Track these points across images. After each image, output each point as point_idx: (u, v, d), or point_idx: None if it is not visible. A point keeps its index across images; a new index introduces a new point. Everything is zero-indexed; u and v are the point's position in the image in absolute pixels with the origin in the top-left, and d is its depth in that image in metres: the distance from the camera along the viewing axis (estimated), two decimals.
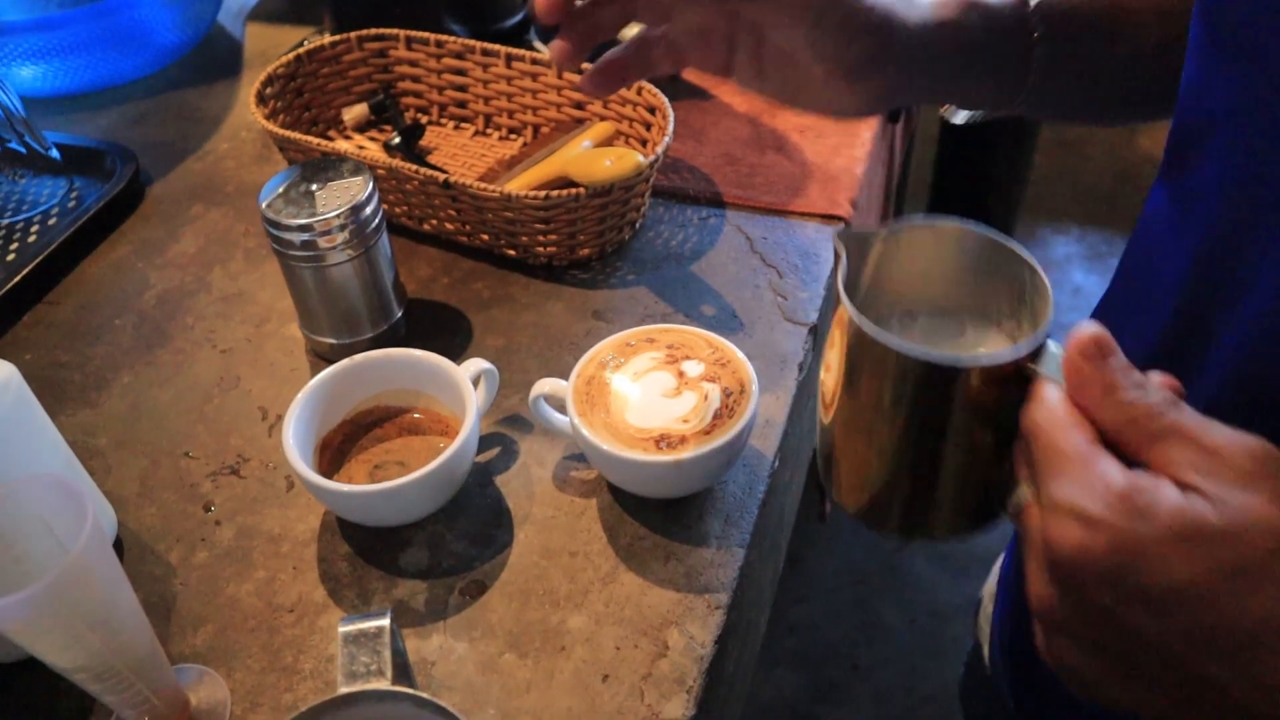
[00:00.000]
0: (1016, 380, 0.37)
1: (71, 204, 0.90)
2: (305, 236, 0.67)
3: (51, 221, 0.88)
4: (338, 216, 0.66)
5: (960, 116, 0.74)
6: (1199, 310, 0.43)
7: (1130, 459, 0.34)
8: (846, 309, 0.39)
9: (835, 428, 0.44)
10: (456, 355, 0.73)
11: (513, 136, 0.91)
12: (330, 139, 0.92)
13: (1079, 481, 0.34)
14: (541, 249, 0.76)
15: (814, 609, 1.77)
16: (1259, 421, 0.34)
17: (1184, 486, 0.33)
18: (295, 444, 0.61)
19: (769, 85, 0.53)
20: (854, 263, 0.42)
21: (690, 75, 0.98)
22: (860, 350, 0.40)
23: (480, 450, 0.67)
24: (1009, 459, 0.39)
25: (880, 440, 0.42)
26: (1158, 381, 0.36)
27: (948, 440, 0.40)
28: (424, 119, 0.93)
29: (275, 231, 0.67)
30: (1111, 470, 0.34)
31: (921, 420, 0.40)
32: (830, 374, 0.43)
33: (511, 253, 0.78)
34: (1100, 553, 0.33)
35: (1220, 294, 0.43)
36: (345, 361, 0.65)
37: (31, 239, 0.86)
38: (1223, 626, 0.32)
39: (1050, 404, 0.36)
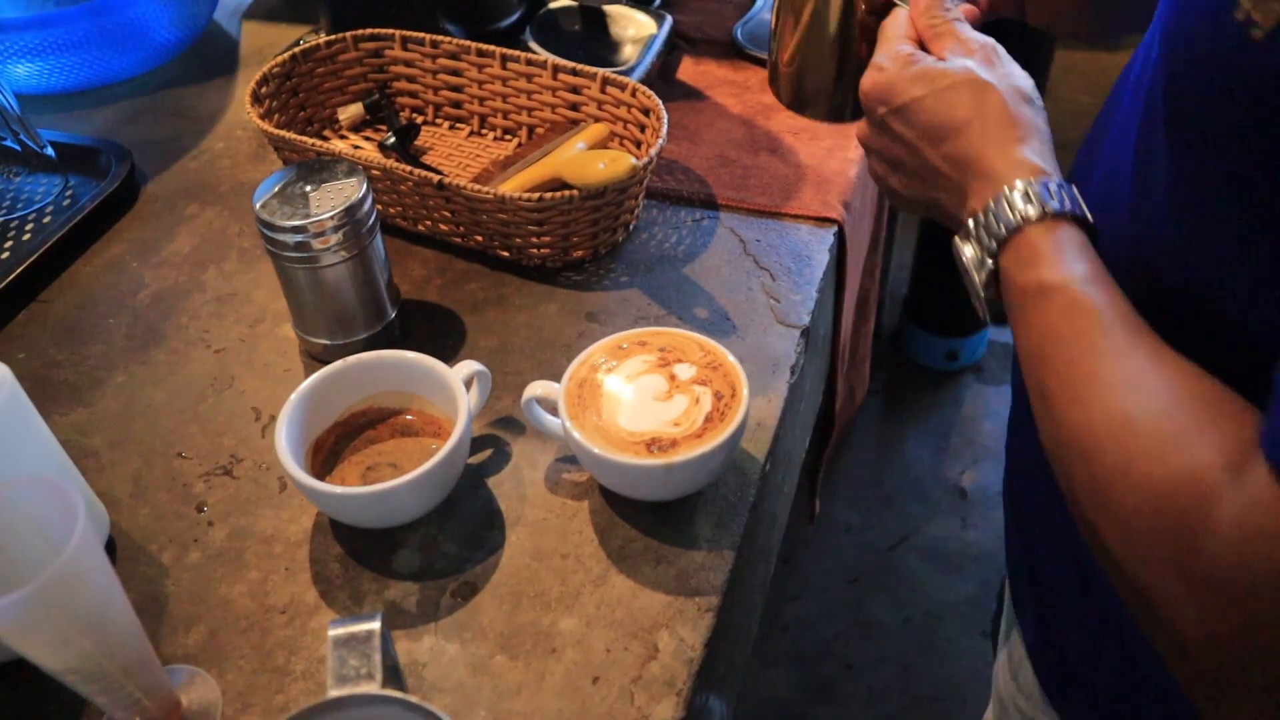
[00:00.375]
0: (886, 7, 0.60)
1: (66, 202, 0.90)
2: (299, 238, 0.67)
3: (46, 220, 0.88)
4: (331, 218, 0.66)
5: None
6: (1079, 184, 0.52)
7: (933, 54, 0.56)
8: None
9: (782, 48, 0.65)
10: (450, 357, 0.73)
11: (508, 137, 0.91)
12: (325, 138, 0.92)
13: (884, 51, 0.57)
14: (535, 250, 0.77)
15: (808, 608, 1.78)
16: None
17: (940, 59, 0.55)
18: (288, 445, 0.61)
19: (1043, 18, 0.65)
20: None
21: (684, 76, 0.99)
22: None
23: (473, 452, 0.67)
24: None
25: (814, 47, 0.64)
26: (960, 9, 0.58)
27: (850, 46, 0.62)
28: (419, 119, 0.93)
29: (269, 232, 0.67)
30: (905, 47, 0.56)
31: (838, 30, 0.62)
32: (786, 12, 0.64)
33: (505, 254, 0.78)
34: (879, 83, 0.55)
35: (1086, 174, 0.56)
36: (338, 363, 0.65)
37: (26, 237, 0.86)
38: (938, 123, 0.53)
39: (894, 17, 0.58)
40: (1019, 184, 0.48)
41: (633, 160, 0.69)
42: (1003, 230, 0.48)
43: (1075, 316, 0.45)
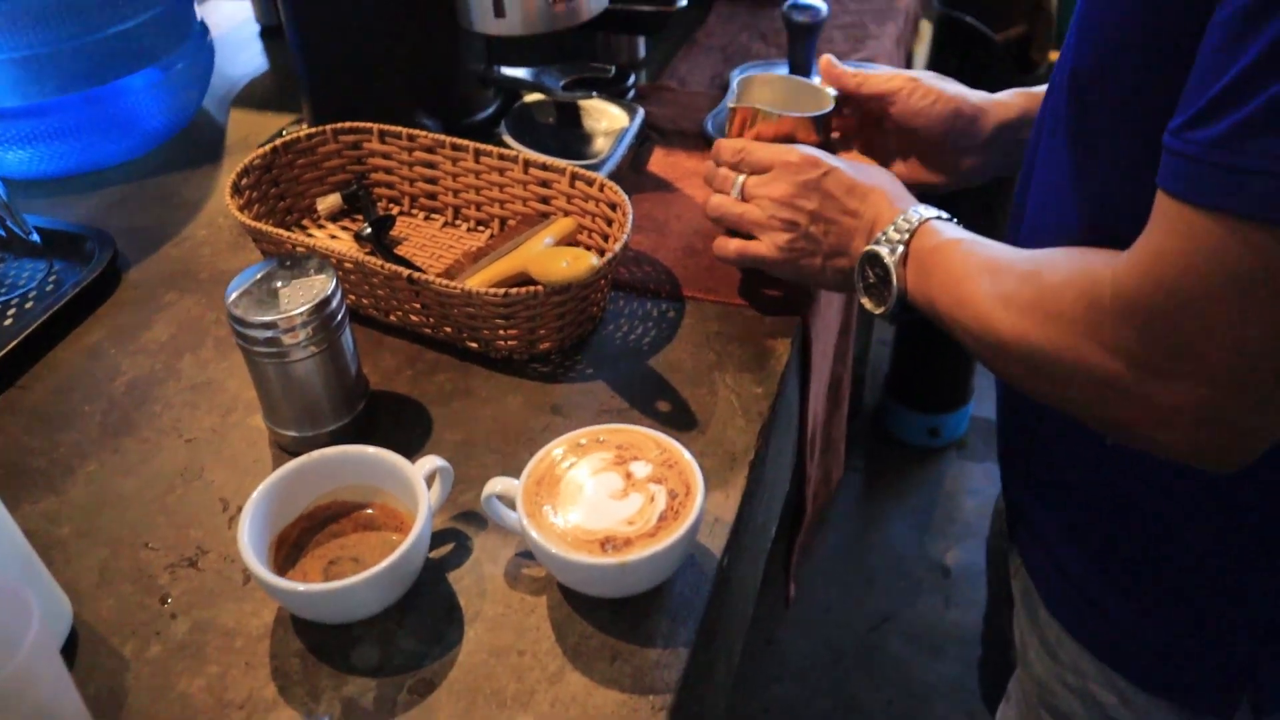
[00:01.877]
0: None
1: (50, 287, 0.92)
2: (269, 333, 0.68)
3: (29, 305, 0.89)
4: (301, 314, 0.68)
5: None
6: (1014, 223, 0.73)
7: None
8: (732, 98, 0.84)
9: None
10: (416, 448, 0.74)
11: (481, 228, 0.93)
12: (304, 227, 0.94)
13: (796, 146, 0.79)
14: (503, 343, 0.78)
15: (790, 689, 1.77)
16: None
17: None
18: (250, 541, 0.62)
19: (904, 168, 0.87)
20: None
21: (654, 168, 1.01)
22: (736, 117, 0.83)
23: (434, 546, 0.68)
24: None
25: None
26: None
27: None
28: (396, 209, 0.96)
29: (240, 328, 0.69)
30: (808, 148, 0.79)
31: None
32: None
33: (474, 345, 0.80)
34: (813, 153, 0.77)
35: (1018, 214, 0.72)
36: (303, 459, 0.66)
37: (8, 323, 0.87)
38: (860, 181, 0.76)
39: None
40: (916, 205, 0.72)
41: (594, 260, 0.71)
42: (914, 224, 0.70)
43: (979, 247, 0.66)
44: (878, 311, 0.72)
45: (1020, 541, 0.80)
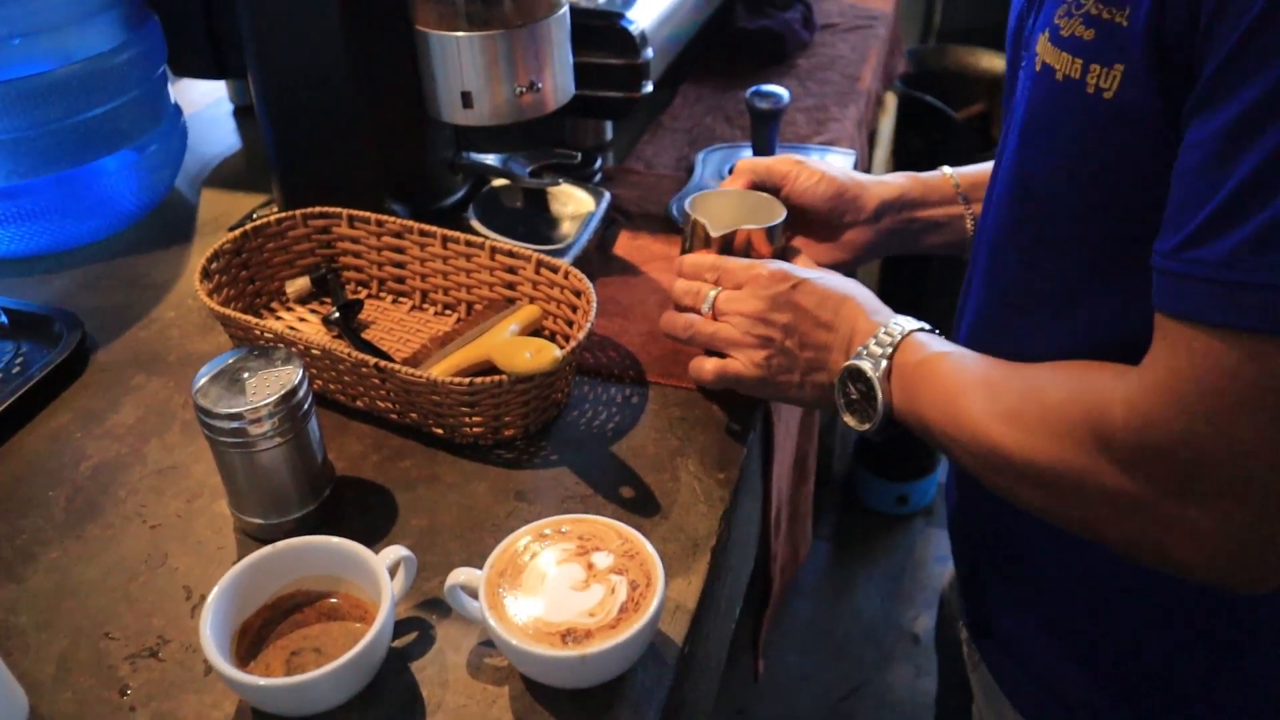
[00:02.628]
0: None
1: (16, 369, 0.92)
2: (235, 424, 0.69)
3: None
4: (267, 405, 0.69)
5: None
6: (965, 305, 0.75)
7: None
8: (690, 215, 0.85)
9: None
10: (381, 536, 0.75)
11: (448, 312, 0.95)
12: (273, 310, 0.95)
13: (760, 259, 0.80)
14: (468, 429, 0.79)
15: None
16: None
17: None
18: (212, 633, 0.62)
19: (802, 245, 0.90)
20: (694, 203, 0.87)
21: (621, 251, 1.03)
22: (694, 231, 0.85)
23: (397, 635, 0.68)
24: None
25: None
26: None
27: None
28: (364, 292, 0.97)
29: (206, 418, 0.70)
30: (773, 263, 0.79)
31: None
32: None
33: (439, 431, 0.81)
34: (781, 268, 0.78)
35: (966, 296, 0.74)
36: (266, 549, 0.67)
37: None
38: (831, 292, 0.76)
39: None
40: (895, 316, 0.73)
41: (557, 352, 0.73)
42: (897, 337, 0.70)
43: (969, 361, 0.66)
44: (862, 429, 0.71)
45: (980, 640, 0.81)
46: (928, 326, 0.71)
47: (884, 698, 1.85)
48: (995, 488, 0.63)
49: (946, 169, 0.89)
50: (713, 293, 0.80)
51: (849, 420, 0.73)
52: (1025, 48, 0.64)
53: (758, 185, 0.89)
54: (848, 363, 0.71)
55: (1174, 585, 0.65)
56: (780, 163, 0.88)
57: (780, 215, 0.85)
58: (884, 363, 0.69)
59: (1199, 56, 0.48)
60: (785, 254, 0.86)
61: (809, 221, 0.89)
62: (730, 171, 0.96)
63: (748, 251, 0.83)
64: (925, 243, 0.89)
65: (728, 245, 0.83)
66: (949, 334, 0.79)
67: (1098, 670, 0.71)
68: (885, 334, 0.70)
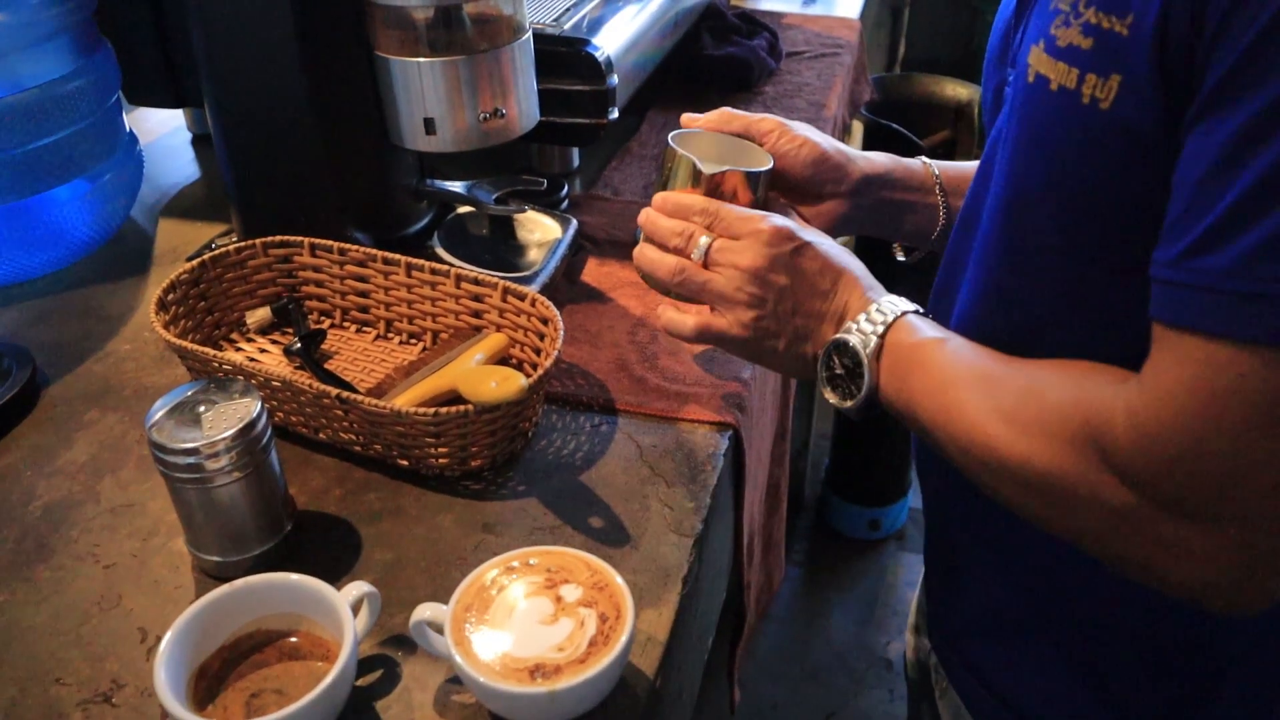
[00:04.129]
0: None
1: None
2: (191, 459, 0.67)
3: None
4: (225, 439, 0.67)
5: (902, 255, 0.92)
6: (944, 306, 0.73)
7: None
8: (674, 149, 0.79)
9: None
10: (344, 571, 0.73)
11: (413, 341, 0.93)
12: (233, 340, 0.93)
13: (761, 214, 0.74)
14: (434, 460, 0.77)
15: None
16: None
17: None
18: (167, 678, 0.60)
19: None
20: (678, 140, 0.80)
21: (588, 278, 1.02)
22: (675, 166, 0.79)
23: (362, 673, 0.66)
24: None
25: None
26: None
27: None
28: (327, 322, 0.95)
29: (160, 454, 0.67)
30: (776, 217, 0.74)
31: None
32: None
33: (404, 463, 0.79)
34: (787, 225, 0.72)
35: (949, 297, 0.72)
36: (224, 588, 0.64)
37: None
38: (833, 260, 0.72)
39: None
40: (889, 296, 0.70)
41: (523, 381, 0.71)
42: (889, 317, 0.67)
43: (965, 350, 0.63)
44: (843, 405, 0.68)
45: (947, 665, 0.80)
46: (921, 309, 0.69)
47: None
48: (981, 484, 0.61)
49: (925, 159, 0.88)
50: (705, 239, 0.73)
51: (829, 396, 0.70)
52: (1013, 64, 0.64)
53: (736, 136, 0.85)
54: (836, 335, 0.68)
55: (1144, 615, 0.64)
56: (763, 120, 0.84)
57: (769, 162, 0.80)
58: (874, 340, 0.66)
59: (1200, 67, 0.47)
60: (768, 207, 0.81)
61: (785, 186, 0.86)
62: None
63: (734, 198, 0.77)
64: (898, 225, 0.87)
65: (715, 187, 0.77)
66: None
67: (1065, 697, 0.70)
68: (878, 311, 0.67)
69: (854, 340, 0.67)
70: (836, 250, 0.73)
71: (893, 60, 2.37)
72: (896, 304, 0.68)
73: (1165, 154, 0.51)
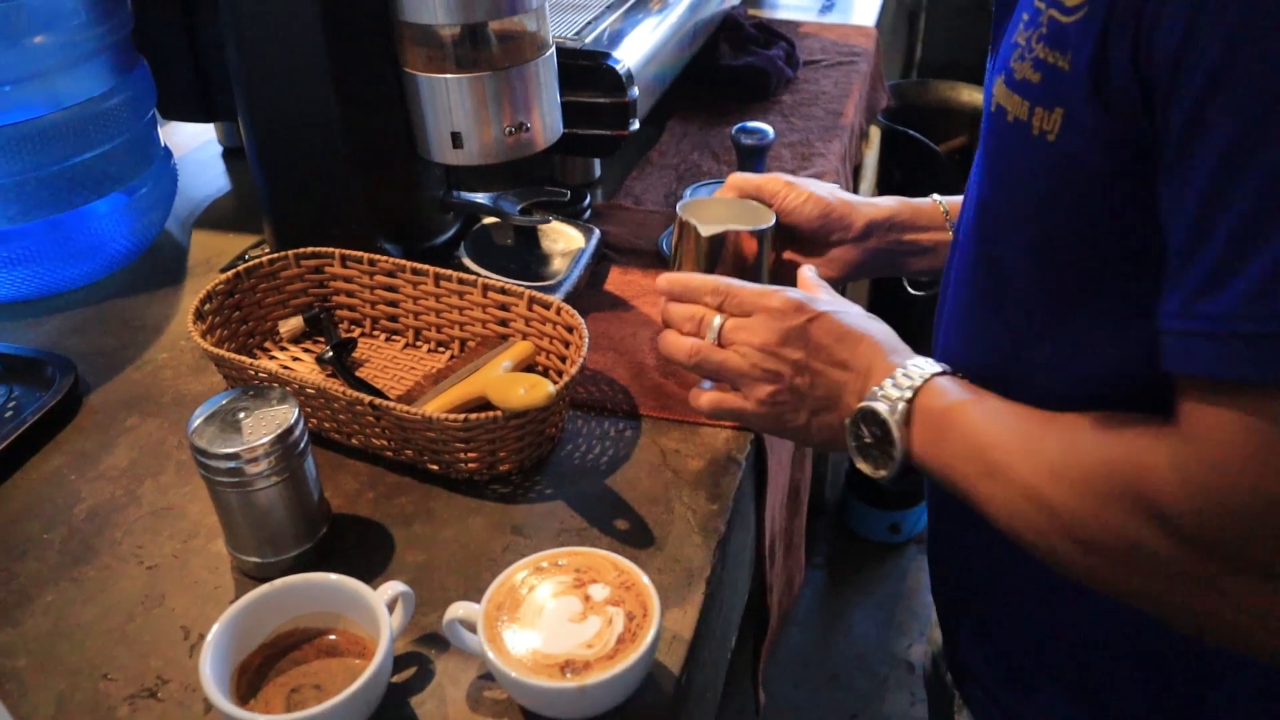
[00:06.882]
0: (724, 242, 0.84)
1: (9, 413, 0.92)
2: (231, 464, 0.70)
3: None
4: (264, 445, 0.70)
5: (913, 289, 0.96)
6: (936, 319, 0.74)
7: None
8: (681, 216, 0.85)
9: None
10: (378, 572, 0.75)
11: (441, 349, 0.96)
12: (266, 349, 0.96)
13: (774, 288, 0.75)
14: (463, 465, 0.80)
15: None
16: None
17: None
18: (212, 672, 0.62)
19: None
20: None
21: (611, 286, 1.05)
22: (683, 232, 0.85)
23: (396, 670, 0.68)
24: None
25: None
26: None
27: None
28: (357, 331, 0.98)
29: (202, 458, 0.70)
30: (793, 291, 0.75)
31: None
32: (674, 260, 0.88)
33: (435, 468, 0.81)
34: (798, 298, 0.73)
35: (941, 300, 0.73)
36: (264, 587, 0.67)
37: None
38: (849, 329, 0.71)
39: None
40: (915, 357, 0.68)
41: (550, 388, 0.74)
42: (917, 380, 0.65)
43: (1000, 410, 0.61)
44: (877, 475, 0.67)
45: (962, 685, 0.81)
46: (949, 369, 0.66)
47: None
48: (1036, 549, 0.58)
49: (936, 196, 0.90)
50: (718, 320, 0.75)
51: (863, 466, 0.68)
52: (986, 93, 0.65)
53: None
54: (861, 404, 0.66)
55: (1133, 626, 0.64)
56: (770, 181, 0.89)
57: (769, 220, 0.86)
58: (901, 405, 0.64)
59: (1159, 108, 0.48)
60: (779, 269, 0.87)
61: (797, 240, 0.90)
62: None
63: (738, 254, 0.84)
64: (911, 266, 0.91)
65: (717, 247, 0.83)
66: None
67: (1052, 708, 0.71)
68: (904, 375, 0.65)
69: (881, 407, 0.65)
70: (855, 316, 0.72)
71: (909, 66, 2.38)
72: (924, 366, 0.66)
73: (1114, 187, 0.52)
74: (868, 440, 0.67)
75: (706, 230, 0.83)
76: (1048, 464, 0.56)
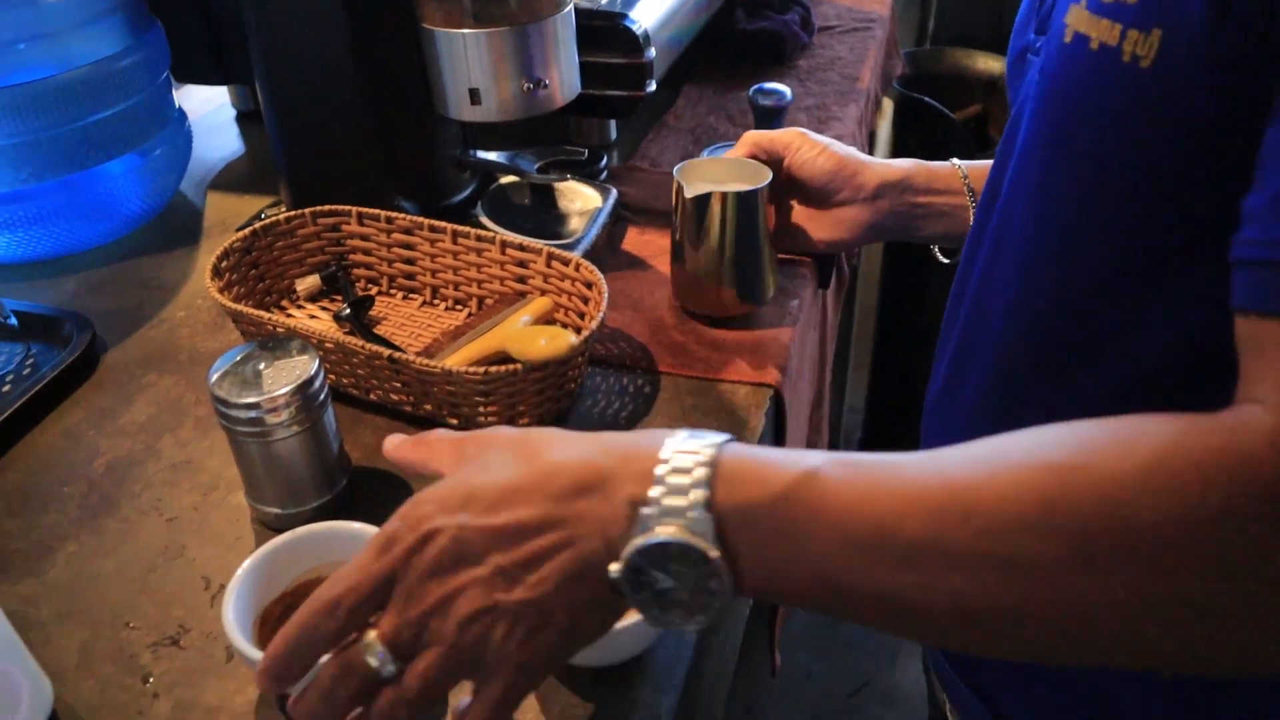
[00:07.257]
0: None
1: (27, 370, 0.92)
2: (253, 414, 0.70)
3: (6, 389, 0.90)
4: (284, 394, 0.69)
5: (944, 257, 0.95)
6: (960, 290, 0.70)
7: None
8: (675, 177, 0.88)
9: (678, 268, 0.92)
10: None
11: (459, 307, 0.95)
12: (283, 308, 0.96)
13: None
14: (483, 419, 0.80)
15: None
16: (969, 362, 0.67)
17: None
18: (234, 618, 0.62)
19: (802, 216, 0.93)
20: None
21: (628, 246, 1.04)
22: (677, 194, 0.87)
23: None
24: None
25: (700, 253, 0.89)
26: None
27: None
28: (374, 289, 0.98)
29: (223, 408, 0.70)
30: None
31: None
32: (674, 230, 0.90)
33: (454, 422, 0.81)
34: (418, 513, 0.51)
35: (964, 281, 0.69)
36: (286, 535, 0.67)
37: None
38: (511, 484, 0.48)
39: None
40: (668, 442, 0.45)
41: (571, 339, 0.73)
42: (696, 469, 0.44)
43: (914, 455, 0.45)
44: (689, 626, 0.46)
45: (950, 691, 0.78)
46: (717, 438, 0.46)
47: (891, 694, 1.86)
48: (1087, 598, 0.41)
49: (956, 160, 0.89)
50: (373, 638, 0.50)
51: (677, 621, 0.46)
52: (1042, 30, 0.61)
53: (761, 154, 0.91)
54: (629, 545, 0.44)
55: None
56: (786, 133, 0.89)
57: (763, 181, 0.86)
58: (696, 513, 0.43)
59: (1273, 22, 0.43)
60: (788, 231, 0.88)
61: (809, 195, 0.90)
62: None
63: (726, 216, 0.85)
64: (924, 229, 0.89)
65: (702, 206, 0.85)
66: (926, 366, 0.77)
67: (1054, 705, 0.68)
68: (676, 467, 0.44)
69: (665, 532, 0.44)
70: (499, 469, 0.49)
71: (924, 34, 2.37)
72: (689, 443, 0.45)
73: (1210, 121, 0.47)
74: (663, 586, 0.45)
75: (691, 191, 0.84)
76: (1074, 463, 0.42)
